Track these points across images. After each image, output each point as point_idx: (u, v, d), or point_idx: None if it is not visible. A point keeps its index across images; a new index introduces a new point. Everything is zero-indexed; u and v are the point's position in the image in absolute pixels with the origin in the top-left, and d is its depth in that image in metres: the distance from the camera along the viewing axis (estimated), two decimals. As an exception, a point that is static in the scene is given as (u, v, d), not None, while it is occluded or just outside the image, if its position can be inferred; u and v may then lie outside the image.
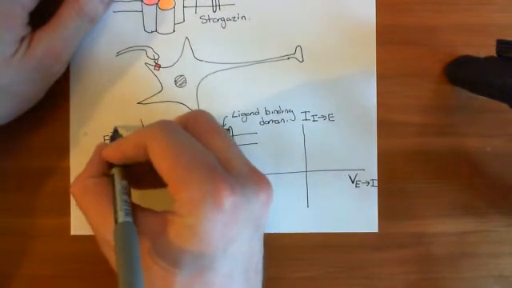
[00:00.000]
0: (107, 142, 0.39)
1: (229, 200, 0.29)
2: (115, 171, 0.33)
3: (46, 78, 0.36)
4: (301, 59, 0.39)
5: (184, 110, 0.39)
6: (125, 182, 0.32)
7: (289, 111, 0.39)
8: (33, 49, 0.34)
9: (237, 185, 0.30)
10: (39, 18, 0.36)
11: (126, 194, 0.32)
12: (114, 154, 0.33)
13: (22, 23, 0.34)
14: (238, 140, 0.39)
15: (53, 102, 0.39)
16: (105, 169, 0.34)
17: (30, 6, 0.35)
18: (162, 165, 0.30)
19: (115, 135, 0.37)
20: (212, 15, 0.39)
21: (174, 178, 0.29)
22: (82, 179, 0.33)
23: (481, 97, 0.37)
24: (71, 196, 0.39)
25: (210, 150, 0.31)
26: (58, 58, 0.36)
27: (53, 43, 0.35)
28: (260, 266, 0.33)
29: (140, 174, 0.34)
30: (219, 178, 0.29)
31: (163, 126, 0.31)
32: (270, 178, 0.38)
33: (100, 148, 0.34)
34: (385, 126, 0.40)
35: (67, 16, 0.35)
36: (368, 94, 0.39)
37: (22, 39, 0.34)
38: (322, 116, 0.39)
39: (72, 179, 0.39)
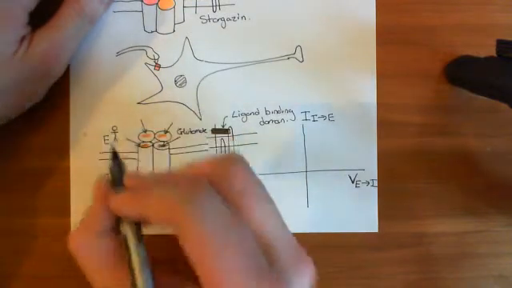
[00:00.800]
0: (107, 142, 0.39)
1: None
2: (127, 232, 0.27)
3: (46, 78, 0.36)
4: (301, 59, 0.39)
5: (184, 110, 0.39)
6: (143, 250, 0.27)
7: (289, 111, 0.39)
8: (33, 49, 0.34)
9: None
10: (39, 18, 0.36)
11: (146, 265, 0.27)
12: (129, 211, 0.27)
13: (22, 23, 0.35)
14: (237, 140, 0.39)
15: (53, 102, 0.39)
16: (111, 221, 0.28)
17: (30, 6, 0.35)
18: (197, 257, 0.24)
19: (115, 161, 0.30)
20: (212, 15, 0.39)
21: (212, 277, 0.24)
22: (83, 236, 0.28)
23: (481, 97, 0.37)
24: (71, 196, 0.39)
25: (247, 221, 0.26)
26: (58, 58, 0.36)
27: (53, 43, 0.35)
28: None
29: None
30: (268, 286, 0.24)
31: (198, 199, 0.25)
32: (270, 178, 0.39)
33: (100, 192, 0.28)
34: (385, 126, 0.40)
35: (67, 16, 0.35)
36: (368, 93, 0.39)
37: (22, 39, 0.34)
38: (322, 116, 0.39)
39: (72, 179, 0.39)
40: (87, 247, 0.28)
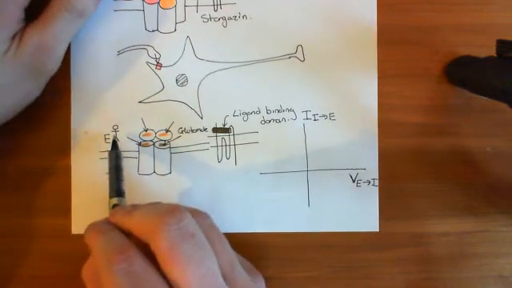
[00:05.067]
0: (109, 141, 0.39)
1: None
2: None
3: (39, 74, 0.36)
4: (302, 58, 0.39)
5: (185, 109, 0.39)
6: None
7: (290, 110, 0.39)
8: (24, 45, 0.34)
9: None
10: (30, 13, 0.35)
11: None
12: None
13: (17, 20, 0.34)
14: (239, 139, 0.39)
15: (54, 101, 0.39)
16: None
17: (24, 3, 0.34)
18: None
19: (114, 149, 0.38)
20: (213, 14, 0.39)
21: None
22: (92, 266, 0.32)
23: (481, 97, 0.38)
24: (72, 195, 0.39)
25: (171, 282, 0.30)
26: (50, 53, 0.35)
27: (43, 38, 0.35)
28: None
29: None
30: None
31: (113, 267, 0.29)
32: (270, 177, 0.39)
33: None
34: (385, 126, 0.40)
35: (57, 11, 0.35)
36: (369, 93, 0.39)
37: (14, 36, 0.34)
38: (323, 115, 0.39)
39: (73, 179, 0.39)
40: (95, 277, 0.31)
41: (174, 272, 0.29)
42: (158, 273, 0.29)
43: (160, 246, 0.29)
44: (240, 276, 0.32)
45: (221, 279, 0.30)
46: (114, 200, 0.35)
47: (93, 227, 0.33)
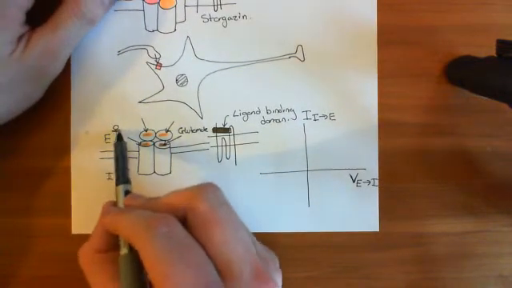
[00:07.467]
0: (109, 141, 0.39)
1: None
2: (121, 261, 0.32)
3: (43, 77, 0.36)
4: (302, 58, 0.39)
5: (186, 109, 0.39)
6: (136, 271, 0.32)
7: (290, 110, 0.39)
8: (30, 48, 0.34)
9: None
10: (38, 18, 0.36)
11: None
12: (110, 229, 0.33)
13: (19, 23, 0.34)
14: (239, 139, 0.39)
15: (54, 101, 0.39)
16: (112, 238, 0.33)
17: (26, 6, 0.35)
18: (150, 273, 0.28)
19: (119, 141, 0.37)
20: (213, 14, 0.39)
21: None
22: (90, 251, 0.33)
23: (481, 97, 0.38)
24: (72, 195, 0.39)
25: (210, 246, 0.30)
26: (56, 57, 0.36)
27: (51, 44, 0.35)
28: None
29: None
30: None
31: (155, 230, 0.29)
32: (270, 177, 0.39)
33: (102, 214, 0.34)
34: (385, 126, 0.40)
35: (66, 17, 0.35)
36: (369, 93, 0.39)
37: (20, 38, 0.34)
38: (323, 115, 0.39)
39: (73, 179, 0.39)
40: (92, 262, 0.33)
41: (216, 233, 0.30)
42: (196, 240, 0.30)
43: (202, 209, 0.30)
44: (261, 249, 0.33)
45: (253, 246, 0.31)
46: (126, 186, 0.35)
47: (113, 209, 0.34)
